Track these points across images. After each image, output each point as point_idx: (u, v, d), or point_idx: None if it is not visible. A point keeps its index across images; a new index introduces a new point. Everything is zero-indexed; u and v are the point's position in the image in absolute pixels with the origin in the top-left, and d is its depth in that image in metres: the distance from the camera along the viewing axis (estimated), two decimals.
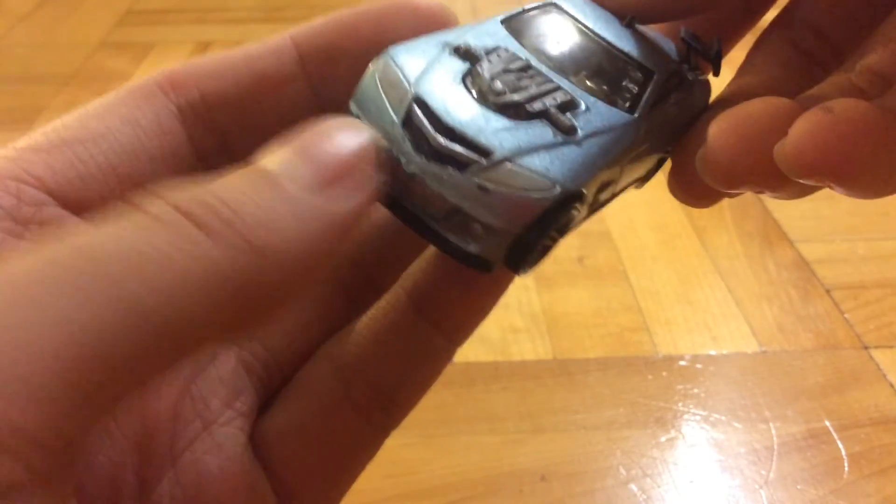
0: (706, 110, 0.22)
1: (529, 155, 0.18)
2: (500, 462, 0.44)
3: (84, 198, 0.18)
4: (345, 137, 0.17)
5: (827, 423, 0.46)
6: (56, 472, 0.12)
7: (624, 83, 0.21)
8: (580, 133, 0.19)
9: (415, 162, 0.18)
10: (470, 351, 0.48)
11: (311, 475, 0.21)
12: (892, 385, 0.49)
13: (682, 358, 0.51)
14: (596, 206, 0.21)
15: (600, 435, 0.46)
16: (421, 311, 0.21)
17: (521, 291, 0.55)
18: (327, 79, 0.20)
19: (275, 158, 0.16)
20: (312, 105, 0.20)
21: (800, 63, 0.22)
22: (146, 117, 0.19)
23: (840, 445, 0.45)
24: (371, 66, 0.19)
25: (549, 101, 0.19)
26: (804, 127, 0.16)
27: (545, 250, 0.19)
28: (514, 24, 0.22)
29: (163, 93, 0.19)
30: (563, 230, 0.19)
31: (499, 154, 0.18)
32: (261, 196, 0.15)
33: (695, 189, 0.21)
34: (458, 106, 0.18)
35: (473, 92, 0.19)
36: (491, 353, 0.50)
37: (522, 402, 0.48)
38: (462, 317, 0.22)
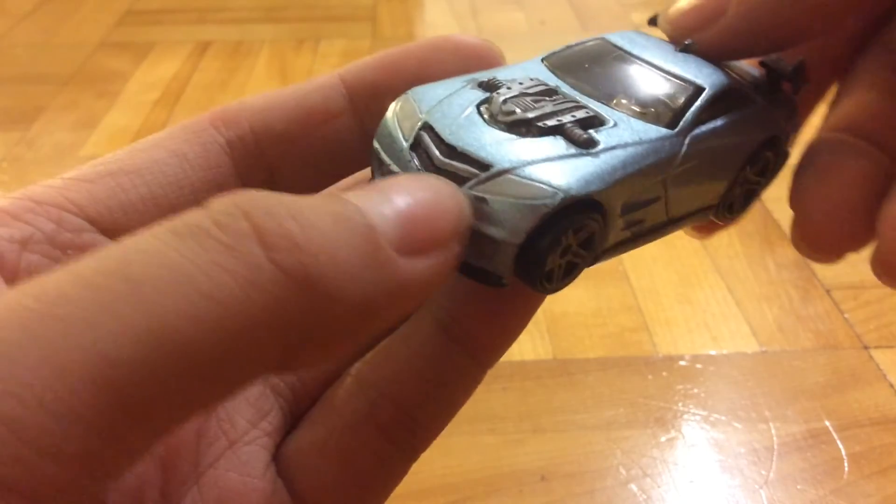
0: (792, 134, 0.22)
1: (532, 166, 0.18)
2: (500, 462, 0.44)
3: (124, 227, 0.18)
4: (447, 208, 0.16)
5: (827, 423, 0.46)
6: (82, 493, 0.12)
7: (665, 100, 0.20)
8: (600, 146, 0.18)
9: None
10: None
11: (333, 494, 0.20)
12: (892, 385, 0.49)
13: (682, 358, 0.51)
14: (640, 228, 0.20)
15: (600, 435, 0.46)
16: (447, 332, 0.21)
17: None
18: (374, 114, 0.20)
19: (364, 197, 0.15)
20: (359, 140, 0.20)
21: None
22: (193, 150, 0.19)
23: (840, 445, 0.45)
24: (391, 105, 0.19)
25: (566, 118, 0.19)
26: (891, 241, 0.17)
27: (571, 268, 0.19)
28: (554, 59, 0.22)
29: (214, 128, 0.19)
30: (587, 244, 0.19)
31: (497, 166, 0.18)
32: (341, 232, 0.13)
33: (822, 242, 0.21)
34: (465, 128, 0.18)
35: (485, 116, 0.19)
36: None
37: (522, 402, 0.48)
38: (489, 338, 0.21)
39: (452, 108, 0.19)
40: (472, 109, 0.19)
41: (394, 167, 0.18)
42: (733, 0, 0.20)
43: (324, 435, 0.20)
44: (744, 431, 0.46)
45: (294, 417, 0.22)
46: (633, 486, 0.43)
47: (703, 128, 0.20)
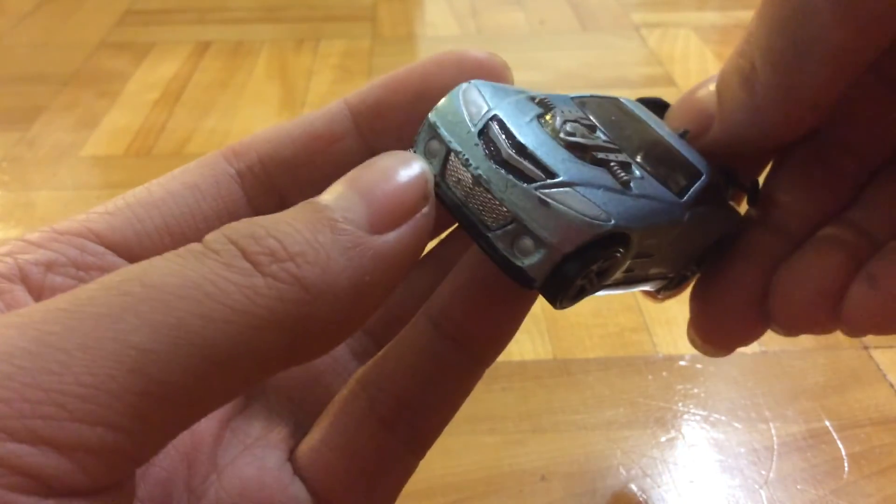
0: (732, 236, 0.24)
1: (590, 188, 0.19)
2: (500, 462, 0.44)
3: (139, 255, 0.19)
4: (400, 173, 0.18)
5: (827, 423, 0.46)
6: (115, 486, 0.13)
7: (674, 173, 0.22)
8: (634, 190, 0.20)
9: (484, 166, 0.19)
10: None
11: (345, 487, 0.22)
12: (892, 385, 0.49)
13: (682, 358, 0.51)
14: (630, 276, 0.22)
15: (600, 435, 0.46)
16: (440, 329, 0.22)
17: None
18: (378, 131, 0.22)
19: (330, 193, 0.17)
20: (365, 159, 0.21)
21: (827, 178, 0.23)
22: (206, 182, 0.20)
23: (840, 445, 0.45)
24: (456, 88, 0.20)
25: (611, 156, 0.20)
26: (856, 304, 0.20)
27: (582, 291, 0.20)
28: (585, 101, 0.23)
29: (225, 160, 0.21)
30: (602, 274, 0.20)
31: (563, 177, 0.19)
32: (313, 232, 0.15)
33: (717, 331, 0.23)
34: (531, 133, 0.19)
35: (546, 129, 0.20)
36: None
37: (522, 402, 0.48)
38: (483, 335, 0.22)
39: (518, 110, 0.20)
40: (533, 118, 0.20)
41: (455, 145, 0.19)
42: (716, 122, 0.22)
43: (331, 432, 0.22)
44: (744, 431, 0.46)
45: (304, 430, 0.23)
46: (633, 486, 0.43)
47: (696, 208, 0.22)
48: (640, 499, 0.42)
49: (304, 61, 0.92)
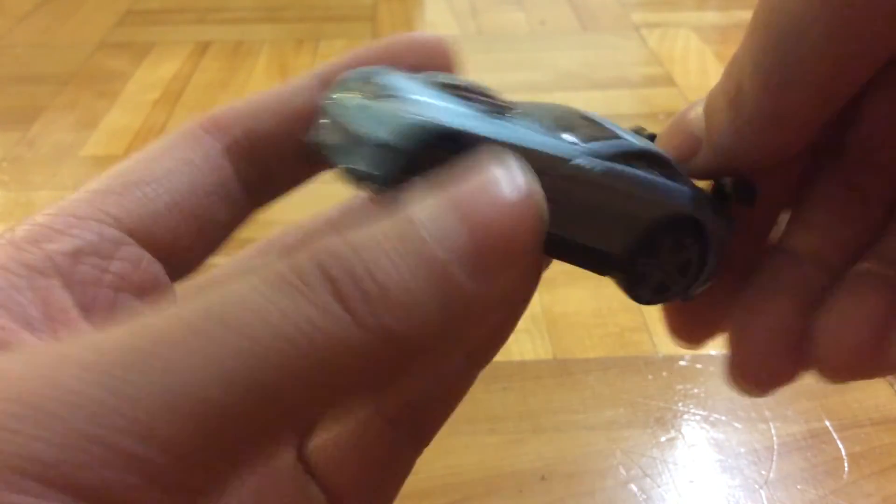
0: (722, 244, 0.22)
1: (432, 101, 0.18)
2: (500, 462, 0.44)
3: (155, 234, 0.19)
4: (507, 191, 0.15)
5: (827, 423, 0.46)
6: None
7: (586, 130, 0.20)
8: (504, 120, 0.19)
9: (351, 103, 0.18)
10: None
11: (357, 484, 0.22)
12: (892, 385, 0.49)
13: (682, 358, 0.51)
14: (552, 236, 0.20)
15: (600, 435, 0.46)
16: None
17: None
18: None
19: (425, 211, 0.14)
20: None
21: (860, 204, 0.21)
22: (199, 157, 0.20)
23: (840, 445, 0.45)
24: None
25: (488, 100, 0.19)
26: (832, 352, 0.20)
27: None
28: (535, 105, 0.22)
29: (208, 133, 0.21)
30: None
31: (410, 95, 0.18)
32: (410, 268, 0.14)
33: (758, 374, 0.22)
34: (405, 79, 0.19)
35: (426, 81, 0.20)
36: None
37: (522, 402, 0.48)
38: (478, 339, 0.22)
39: (414, 78, 0.20)
40: (423, 80, 0.20)
41: (331, 98, 0.19)
42: (703, 145, 0.21)
43: (342, 432, 0.22)
44: (744, 431, 0.46)
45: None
46: (633, 486, 0.43)
47: (621, 166, 0.20)
48: (640, 499, 0.42)
49: (304, 61, 0.92)
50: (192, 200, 0.20)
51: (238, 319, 0.13)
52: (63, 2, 1.09)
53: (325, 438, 0.22)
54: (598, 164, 0.19)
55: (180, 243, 0.19)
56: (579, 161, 0.19)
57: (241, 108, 0.21)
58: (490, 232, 0.14)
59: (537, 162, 0.17)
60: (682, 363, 0.50)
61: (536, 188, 0.15)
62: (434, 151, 0.17)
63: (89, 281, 0.18)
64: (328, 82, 0.21)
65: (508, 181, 0.15)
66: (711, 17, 1.03)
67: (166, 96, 0.84)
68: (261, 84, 0.87)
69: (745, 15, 1.11)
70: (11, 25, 1.02)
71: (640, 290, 0.20)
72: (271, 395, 0.13)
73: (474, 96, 0.19)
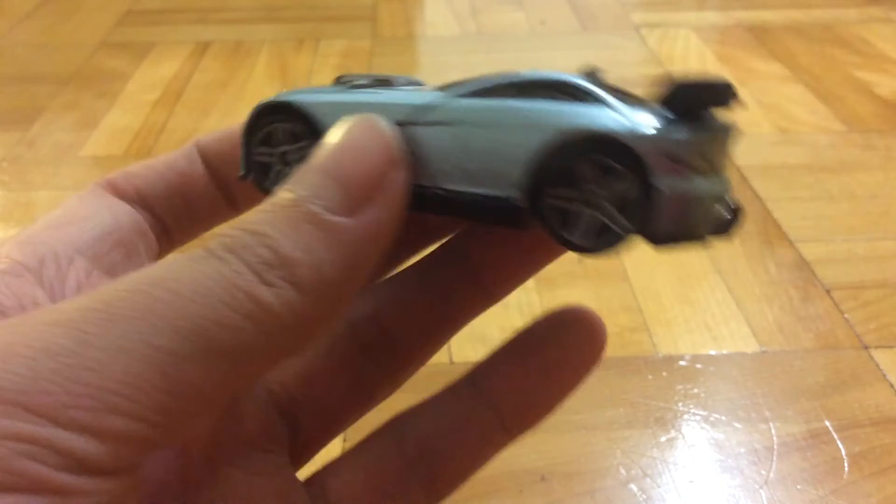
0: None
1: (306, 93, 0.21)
2: (500, 462, 0.44)
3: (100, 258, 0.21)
4: (367, 146, 0.18)
5: (827, 423, 0.46)
6: (130, 468, 0.15)
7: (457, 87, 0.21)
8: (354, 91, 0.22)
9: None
10: (471, 350, 0.48)
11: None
12: (892, 385, 0.49)
13: (682, 358, 0.51)
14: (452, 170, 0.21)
15: (600, 435, 0.46)
16: (477, 387, 0.24)
17: (521, 291, 0.55)
18: (224, 164, 0.24)
19: (304, 184, 0.17)
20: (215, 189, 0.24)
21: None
22: (115, 203, 0.22)
23: (840, 445, 0.45)
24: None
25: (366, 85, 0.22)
26: None
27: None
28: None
29: (112, 195, 0.23)
30: (268, 142, 0.21)
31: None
32: (298, 232, 0.16)
33: None
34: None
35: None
36: None
37: None
38: (522, 406, 0.24)
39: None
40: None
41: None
42: None
43: (360, 469, 0.23)
44: (744, 431, 0.46)
45: (301, 437, 0.24)
46: (633, 486, 0.43)
47: (481, 98, 0.19)
48: (640, 499, 0.42)
49: (304, 61, 0.92)
50: (119, 235, 0.22)
51: (180, 285, 0.15)
52: (63, 2, 1.09)
53: (346, 473, 0.23)
54: (456, 102, 0.19)
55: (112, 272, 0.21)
56: (431, 100, 0.19)
57: (133, 171, 0.23)
58: (346, 177, 0.17)
59: (394, 115, 0.19)
60: (682, 363, 0.50)
61: (383, 125, 0.18)
62: (270, 120, 0.21)
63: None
64: (206, 152, 0.23)
65: (361, 131, 0.18)
66: (711, 17, 1.03)
67: (166, 96, 0.84)
68: (261, 84, 0.87)
69: (746, 15, 1.12)
70: (11, 25, 1.02)
71: (571, 235, 0.17)
72: (210, 346, 0.15)
73: (372, 86, 0.21)
